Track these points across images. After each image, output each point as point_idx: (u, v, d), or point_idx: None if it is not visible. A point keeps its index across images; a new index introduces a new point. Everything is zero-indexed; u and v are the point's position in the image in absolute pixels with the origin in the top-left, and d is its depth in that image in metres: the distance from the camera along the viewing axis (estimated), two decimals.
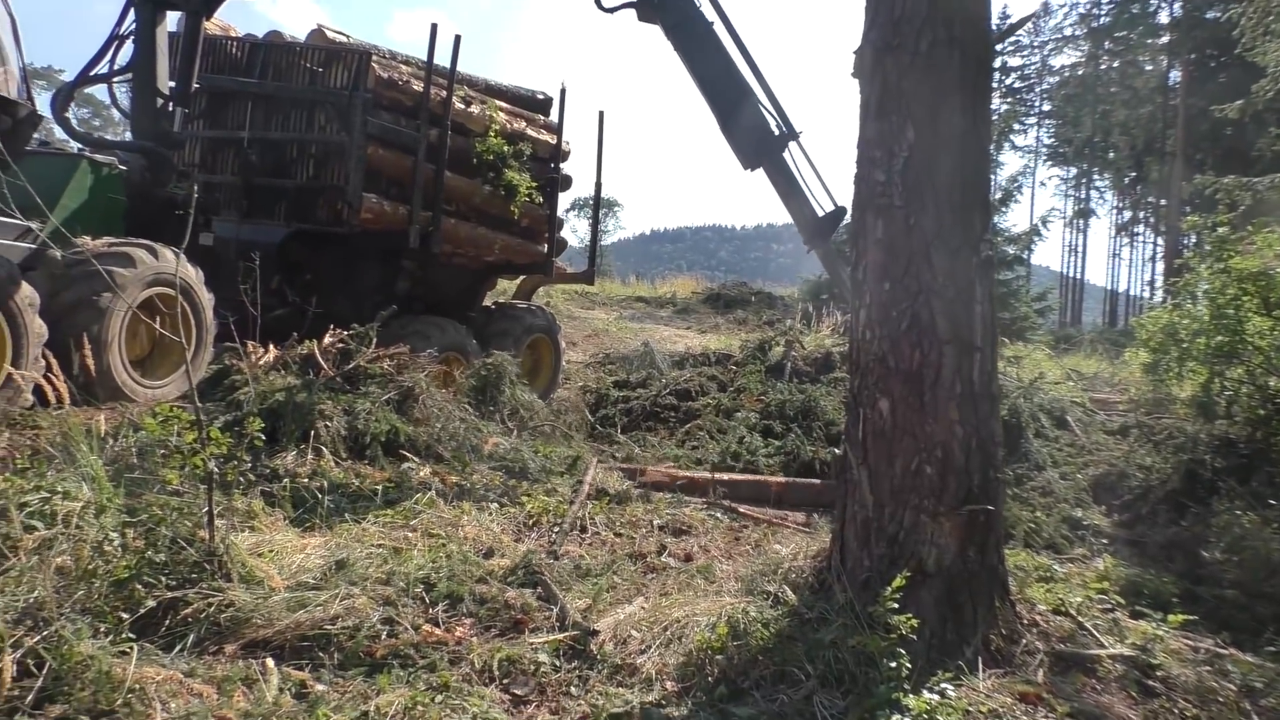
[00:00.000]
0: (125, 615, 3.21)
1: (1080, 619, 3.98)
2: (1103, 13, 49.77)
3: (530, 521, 5.49)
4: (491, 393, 8.28)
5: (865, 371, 3.98)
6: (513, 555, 4.55)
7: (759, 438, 8.72)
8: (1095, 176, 57.91)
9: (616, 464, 7.66)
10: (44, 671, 2.80)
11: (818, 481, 7.49)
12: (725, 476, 7.37)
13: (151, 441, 4.62)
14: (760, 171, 8.74)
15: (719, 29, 8.61)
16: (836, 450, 7.76)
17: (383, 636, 3.46)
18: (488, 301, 12.44)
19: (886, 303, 3.90)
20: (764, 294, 29.94)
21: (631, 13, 8.69)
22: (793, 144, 8.65)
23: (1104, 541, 6.39)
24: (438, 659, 3.36)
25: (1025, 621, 3.88)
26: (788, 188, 8.61)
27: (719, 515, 6.32)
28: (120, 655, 2.95)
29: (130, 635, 3.11)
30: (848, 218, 8.71)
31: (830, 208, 8.67)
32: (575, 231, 37.20)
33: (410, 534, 4.72)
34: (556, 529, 5.29)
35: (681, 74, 8.78)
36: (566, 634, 3.65)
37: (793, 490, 7.32)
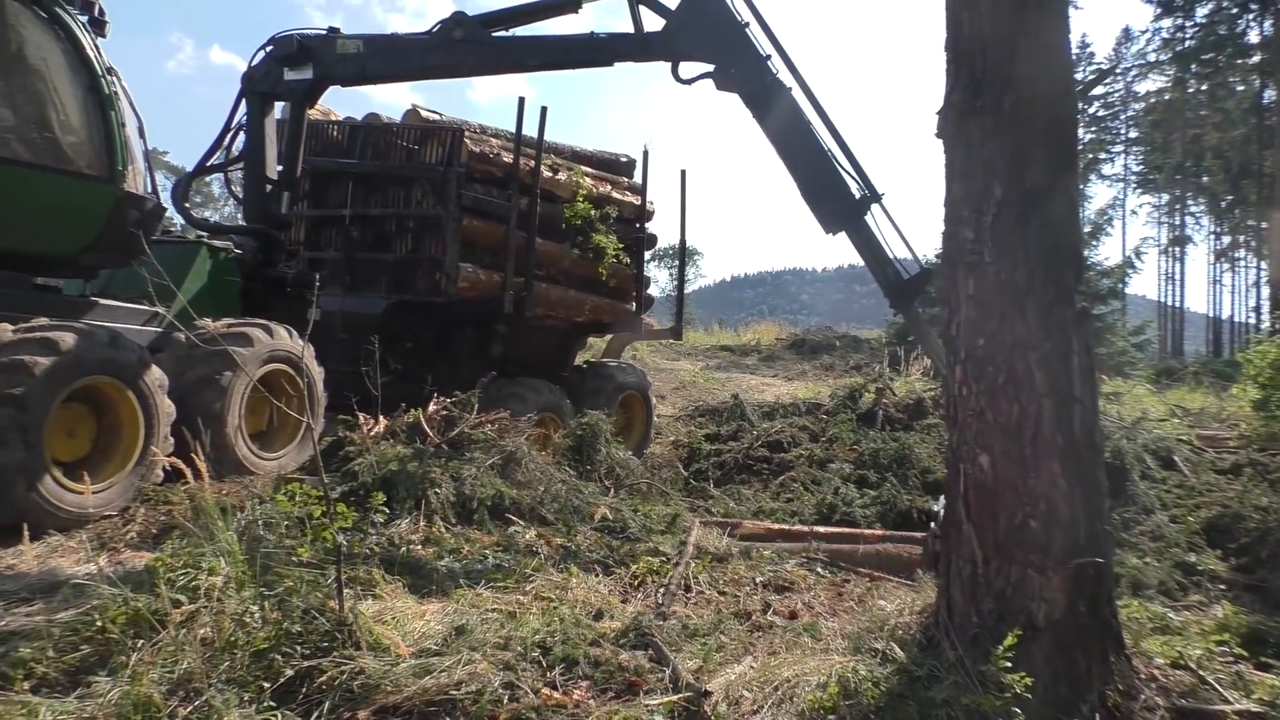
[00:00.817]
0: (266, 684, 3.40)
1: (1201, 673, 3.87)
2: (1188, 35, 48.56)
3: (635, 582, 5.58)
4: (588, 452, 8.47)
5: (963, 426, 4.00)
6: (622, 617, 4.65)
7: (854, 488, 8.69)
8: (1189, 202, 56.16)
9: (713, 519, 7.69)
10: None
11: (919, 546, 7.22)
12: (824, 530, 7.27)
13: (277, 514, 4.89)
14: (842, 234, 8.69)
15: (797, 94, 8.67)
16: (934, 500, 7.67)
17: (505, 700, 3.57)
18: (579, 360, 12.71)
19: (982, 358, 3.93)
20: (849, 338, 29.84)
21: (710, 82, 8.83)
22: (875, 206, 8.56)
23: (1221, 587, 6.15)
24: None
25: (1143, 676, 3.81)
26: (870, 252, 8.49)
27: (820, 570, 6.32)
28: None
29: (271, 704, 3.29)
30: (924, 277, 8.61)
31: (915, 269, 8.56)
32: (657, 282, 37.59)
33: (522, 598, 4.86)
34: (662, 590, 5.37)
35: (759, 128, 8.88)
36: (680, 695, 3.71)
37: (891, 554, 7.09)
